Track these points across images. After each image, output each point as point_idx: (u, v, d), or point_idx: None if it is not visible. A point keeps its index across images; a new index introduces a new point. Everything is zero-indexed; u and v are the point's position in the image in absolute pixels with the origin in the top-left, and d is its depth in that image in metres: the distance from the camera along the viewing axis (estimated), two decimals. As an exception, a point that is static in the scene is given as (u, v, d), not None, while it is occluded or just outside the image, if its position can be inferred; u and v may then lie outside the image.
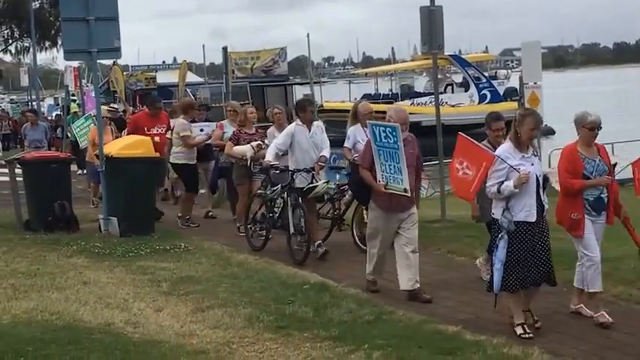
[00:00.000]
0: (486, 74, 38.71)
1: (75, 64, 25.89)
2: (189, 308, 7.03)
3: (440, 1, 11.45)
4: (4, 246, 10.12)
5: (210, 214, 12.64)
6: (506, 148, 6.39)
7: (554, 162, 17.58)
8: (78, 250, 9.76)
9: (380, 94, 39.65)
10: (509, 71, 44.16)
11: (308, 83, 35.29)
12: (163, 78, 35.45)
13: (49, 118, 27.76)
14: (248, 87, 33.47)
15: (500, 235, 6.28)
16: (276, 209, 9.57)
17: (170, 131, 12.14)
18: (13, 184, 11.96)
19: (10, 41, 36.29)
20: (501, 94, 36.52)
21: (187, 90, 32.19)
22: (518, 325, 6.30)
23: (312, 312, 6.78)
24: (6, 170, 12.70)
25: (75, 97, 24.66)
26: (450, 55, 34.49)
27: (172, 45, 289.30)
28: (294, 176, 9.24)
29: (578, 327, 6.39)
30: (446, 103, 33.15)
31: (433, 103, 15.15)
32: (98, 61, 11.79)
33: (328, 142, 9.64)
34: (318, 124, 9.70)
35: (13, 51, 37.08)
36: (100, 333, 6.24)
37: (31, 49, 26.23)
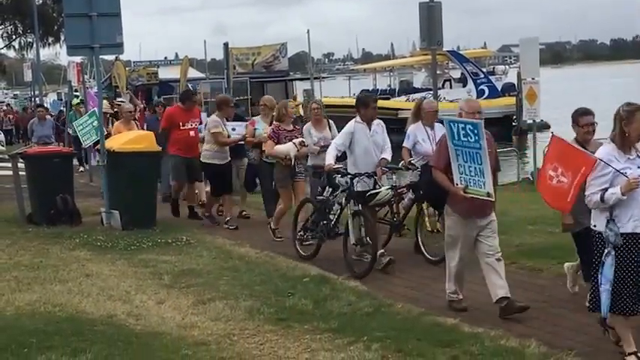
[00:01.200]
0: (484, 70, 38.74)
1: (78, 59, 25.93)
2: (190, 300, 7.10)
3: (439, -1, 11.52)
4: (8, 239, 10.22)
5: (244, 213, 11.90)
6: (609, 150, 5.56)
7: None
8: (80, 243, 9.84)
9: (377, 89, 39.69)
10: (507, 67, 44.23)
11: (308, 79, 35.25)
12: (165, 73, 35.49)
13: (52, 114, 27.70)
14: (249, 82, 33.53)
15: (606, 252, 5.47)
16: (331, 216, 8.68)
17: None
18: (16, 178, 12.04)
19: (14, 37, 36.38)
20: (499, 89, 36.59)
21: (189, 85, 32.23)
22: (630, 354, 5.54)
23: (311, 304, 6.84)
24: (9, 164, 12.78)
25: (78, 93, 24.70)
26: (447, 51, 34.52)
27: (174, 41, 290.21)
28: (355, 181, 8.31)
29: (574, 319, 6.43)
30: (444, 98, 33.21)
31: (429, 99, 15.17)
32: (101, 56, 11.84)
33: (389, 142, 8.65)
34: (379, 123, 8.64)
35: (17, 47, 37.21)
36: (103, 325, 6.31)
37: (35, 45, 26.33)
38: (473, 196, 6.56)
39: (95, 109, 14.74)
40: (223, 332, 6.17)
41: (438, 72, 23.53)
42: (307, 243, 9.08)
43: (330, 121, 10.01)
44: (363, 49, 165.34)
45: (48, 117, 18.45)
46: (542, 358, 5.50)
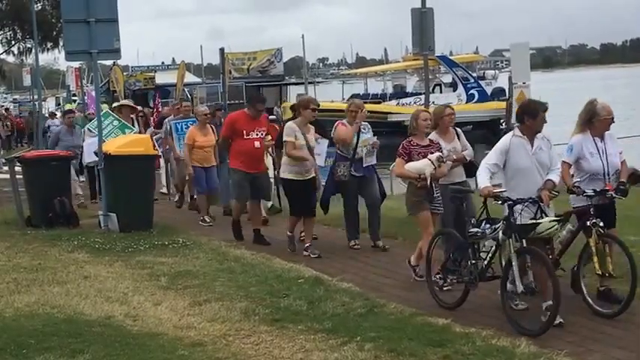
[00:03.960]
0: (474, 74, 38.96)
1: (76, 64, 26.08)
2: (186, 302, 7.16)
3: (433, 3, 11.65)
4: (7, 242, 10.27)
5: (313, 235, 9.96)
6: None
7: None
8: (78, 246, 9.89)
9: (369, 94, 39.87)
10: (497, 72, 44.50)
11: (303, 83, 35.46)
12: (162, 78, 35.64)
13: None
14: (244, 87, 33.67)
15: None
16: (483, 254, 6.88)
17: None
18: (14, 182, 12.11)
19: (13, 42, 36.42)
20: (489, 94, 36.81)
21: (185, 90, 32.37)
22: None
23: (306, 305, 6.90)
24: (7, 168, 12.85)
25: (76, 97, 24.82)
26: (437, 56, 34.66)
27: (171, 45, 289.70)
28: (518, 208, 6.52)
29: (565, 319, 6.46)
30: (433, 102, 33.36)
31: (418, 103, 15.34)
32: (99, 61, 11.93)
33: (558, 161, 6.95)
34: (543, 136, 6.87)
35: (16, 52, 37.19)
36: (100, 326, 6.36)
37: (34, 50, 26.34)
38: None
39: (106, 110, 14.47)
40: (219, 333, 6.22)
41: (429, 77, 23.67)
42: (446, 288, 7.34)
43: (458, 129, 8.43)
44: (357, 53, 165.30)
45: (78, 125, 15.84)
46: (533, 357, 5.54)
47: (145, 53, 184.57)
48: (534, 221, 6.48)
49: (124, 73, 34.02)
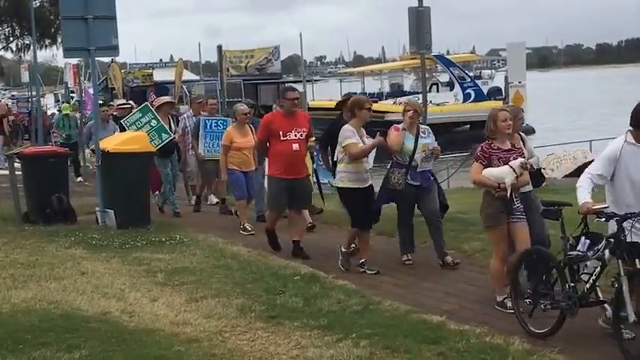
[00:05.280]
0: (471, 74, 39.08)
1: (74, 61, 26.07)
2: (183, 298, 7.17)
3: (430, 4, 11.66)
4: (4, 237, 10.26)
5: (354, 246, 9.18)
6: None
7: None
8: (75, 242, 9.89)
9: (366, 93, 39.93)
10: (493, 71, 44.71)
11: (300, 81, 35.46)
12: (160, 75, 35.64)
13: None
14: (242, 84, 33.72)
15: None
16: (584, 276, 6.08)
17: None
18: (12, 178, 12.13)
19: (11, 39, 36.40)
20: (485, 93, 36.91)
21: (183, 87, 32.40)
22: None
23: (302, 302, 6.93)
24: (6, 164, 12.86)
25: (74, 94, 24.81)
26: (434, 56, 34.81)
27: (169, 43, 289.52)
28: (627, 225, 5.67)
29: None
30: (430, 102, 33.48)
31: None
32: (97, 58, 11.93)
33: None
34: None
35: (14, 48, 37.18)
36: (97, 322, 6.37)
37: (32, 47, 26.33)
38: None
39: (146, 103, 13.77)
40: (215, 329, 6.24)
41: (426, 76, 23.79)
42: (537, 314, 6.33)
43: (522, 133, 7.65)
44: (355, 52, 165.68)
45: (111, 122, 15.28)
46: (527, 354, 5.57)
47: (142, 51, 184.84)
48: None
49: (122, 71, 34.06)
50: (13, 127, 23.84)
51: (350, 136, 8.29)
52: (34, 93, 23.08)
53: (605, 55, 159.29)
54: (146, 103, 14.03)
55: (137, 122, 12.10)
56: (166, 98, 14.40)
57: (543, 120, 36.93)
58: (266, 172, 9.81)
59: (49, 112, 30.82)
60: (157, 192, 12.77)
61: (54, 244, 9.82)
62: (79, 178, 18.26)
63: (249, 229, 10.73)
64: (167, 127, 12.27)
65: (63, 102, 22.29)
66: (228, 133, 10.96)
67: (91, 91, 19.85)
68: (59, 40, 31.65)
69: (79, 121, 19.00)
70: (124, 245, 9.68)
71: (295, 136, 8.99)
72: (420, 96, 15.52)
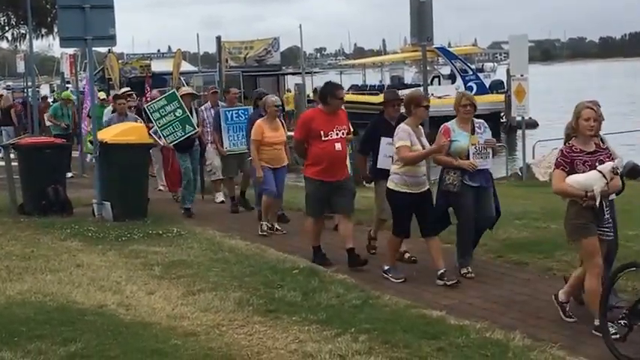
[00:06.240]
0: (473, 67, 38.97)
1: (71, 51, 25.91)
2: (180, 291, 7.13)
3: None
4: (-1, 229, 10.22)
5: (408, 256, 8.52)
6: None
7: (537, 154, 17.86)
8: (72, 234, 9.85)
9: (367, 85, 39.86)
10: (496, 64, 44.61)
11: (300, 73, 35.40)
12: (158, 66, 35.49)
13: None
14: (241, 76, 33.60)
15: None
16: None
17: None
18: (8, 169, 12.06)
19: (7, 28, 36.24)
20: (487, 86, 36.81)
21: (181, 78, 32.27)
22: None
23: (300, 296, 6.89)
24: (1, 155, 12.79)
25: (70, 85, 24.66)
26: (436, 48, 34.73)
27: (167, 33, 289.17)
28: None
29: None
30: (432, 94, 33.41)
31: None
32: (94, 48, 11.85)
33: None
34: None
35: (10, 38, 37.03)
36: (93, 314, 6.34)
37: (28, 36, 26.18)
38: None
39: (174, 90, 13.16)
40: (212, 323, 6.20)
41: (427, 68, 23.74)
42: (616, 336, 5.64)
43: (603, 135, 6.67)
44: (355, 44, 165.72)
45: (130, 113, 13.91)
46: (527, 350, 5.55)
47: (140, 41, 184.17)
48: None
49: (119, 61, 33.90)
50: (18, 118, 23.69)
51: (403, 137, 7.52)
52: (29, 83, 22.88)
53: (608, 48, 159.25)
54: (173, 90, 13.35)
55: (161, 110, 11.43)
56: (188, 89, 13.56)
57: (546, 113, 36.87)
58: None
59: (49, 99, 30.59)
60: (177, 190, 12.49)
61: (49, 236, 9.78)
62: (69, 174, 18.05)
63: (271, 228, 10.14)
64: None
65: (59, 92, 22.08)
66: (258, 126, 10.05)
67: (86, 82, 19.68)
68: (56, 29, 31.52)
69: (70, 111, 18.69)
70: (121, 238, 9.63)
71: (337, 135, 8.28)
72: (422, 89, 15.43)
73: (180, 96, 11.82)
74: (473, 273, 7.76)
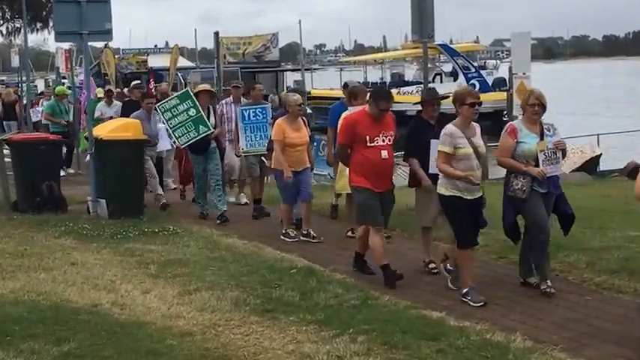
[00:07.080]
0: (475, 64, 38.83)
1: (66, 45, 25.81)
2: (176, 290, 7.07)
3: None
4: (-8, 226, 10.13)
5: (432, 267, 8.01)
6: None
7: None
8: (66, 231, 9.78)
9: (368, 82, 39.77)
10: (498, 61, 44.43)
11: (299, 70, 35.33)
12: (155, 62, 35.32)
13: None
14: (239, 72, 33.50)
15: None
16: None
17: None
18: (1, 165, 11.96)
19: (2, 22, 36.14)
20: (490, 84, 36.69)
21: (179, 74, 32.17)
22: None
23: (298, 296, 6.82)
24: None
25: (65, 80, 24.54)
26: (439, 45, 34.56)
27: (164, 28, 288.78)
28: None
29: (559, 314, 6.46)
30: (433, 92, 33.23)
31: (419, 92, 15.19)
32: (89, 43, 11.74)
33: None
34: None
35: (4, 32, 36.94)
36: (87, 314, 6.28)
37: (22, 31, 26.07)
38: None
39: (187, 88, 12.98)
40: (209, 323, 6.15)
41: (429, 65, 23.63)
42: None
43: None
44: (356, 40, 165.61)
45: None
46: (527, 352, 5.50)
47: (137, 36, 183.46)
48: None
49: (115, 56, 33.76)
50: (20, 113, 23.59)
51: (444, 141, 6.84)
52: (24, 78, 22.74)
53: (612, 46, 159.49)
54: (187, 88, 12.92)
55: (173, 109, 10.89)
56: (206, 86, 12.64)
57: (547, 113, 36.80)
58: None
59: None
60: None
61: (43, 233, 9.71)
62: (64, 172, 17.90)
63: (293, 235, 9.63)
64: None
65: (54, 87, 21.94)
66: (279, 126, 9.43)
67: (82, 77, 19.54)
68: (51, 23, 31.42)
69: (67, 107, 18.52)
70: (116, 236, 9.57)
71: (383, 141, 7.55)
72: (422, 86, 15.34)
73: (197, 92, 11.30)
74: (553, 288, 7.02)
